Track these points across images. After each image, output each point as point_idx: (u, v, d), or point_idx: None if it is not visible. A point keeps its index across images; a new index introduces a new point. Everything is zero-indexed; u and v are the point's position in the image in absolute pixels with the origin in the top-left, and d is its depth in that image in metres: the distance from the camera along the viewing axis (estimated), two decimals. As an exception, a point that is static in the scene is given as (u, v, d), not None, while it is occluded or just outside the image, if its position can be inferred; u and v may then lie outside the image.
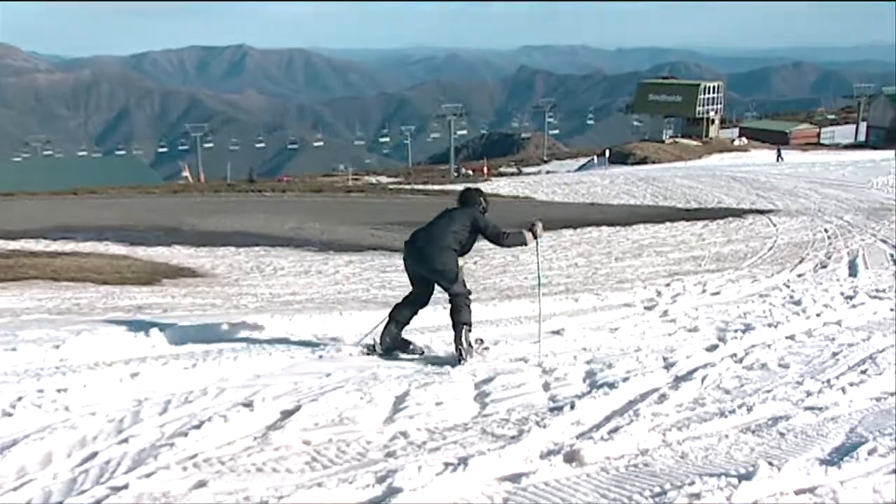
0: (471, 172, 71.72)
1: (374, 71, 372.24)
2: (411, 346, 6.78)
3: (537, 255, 7.28)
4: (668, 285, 11.28)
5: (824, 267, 13.37)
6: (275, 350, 6.71)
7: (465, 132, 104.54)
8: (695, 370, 6.14)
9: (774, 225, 21.38)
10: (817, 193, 30.56)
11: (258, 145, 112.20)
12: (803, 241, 17.69)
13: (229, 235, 20.09)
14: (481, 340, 6.81)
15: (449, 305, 6.54)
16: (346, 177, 68.76)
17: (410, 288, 6.69)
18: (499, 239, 6.66)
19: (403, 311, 6.71)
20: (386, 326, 6.70)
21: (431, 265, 6.43)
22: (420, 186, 48.27)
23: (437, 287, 6.56)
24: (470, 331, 6.53)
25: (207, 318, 8.11)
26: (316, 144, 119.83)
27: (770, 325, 8.03)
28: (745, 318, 8.62)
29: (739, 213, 25.14)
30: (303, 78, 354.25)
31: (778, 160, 61.04)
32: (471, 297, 6.60)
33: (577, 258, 15.65)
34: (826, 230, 19.40)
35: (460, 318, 6.50)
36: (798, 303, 9.56)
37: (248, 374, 5.90)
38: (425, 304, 6.70)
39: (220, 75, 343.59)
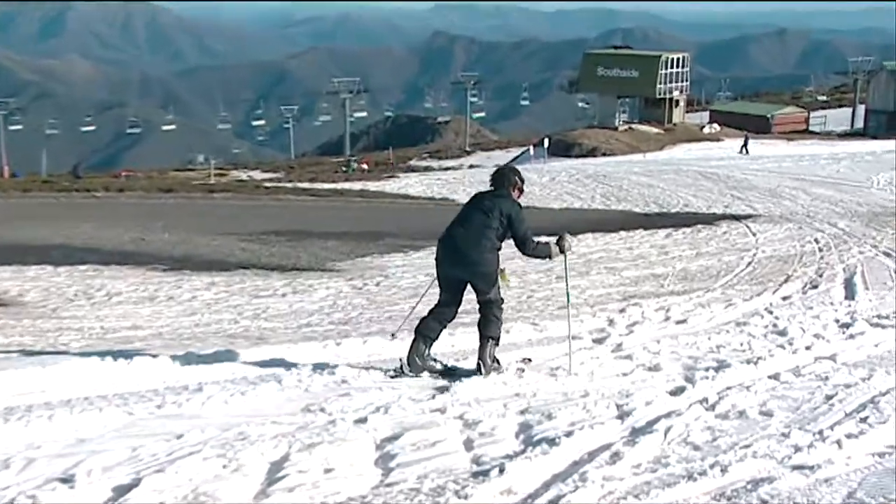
0: (365, 167, 71.85)
1: (242, 34, 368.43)
2: (440, 365, 7.75)
3: (566, 270, 8.61)
4: (622, 311, 11.51)
5: (815, 287, 13.91)
6: (106, 404, 6.54)
7: (364, 114, 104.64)
8: (656, 420, 6.27)
9: (754, 234, 22.11)
10: (806, 194, 31.83)
11: (86, 129, 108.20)
12: (789, 254, 18.36)
13: (45, 250, 19.40)
14: (529, 360, 8.11)
15: (479, 314, 7.56)
16: (208, 172, 67.61)
17: (438, 296, 7.64)
18: (525, 246, 7.60)
19: (431, 325, 7.67)
20: (413, 344, 7.67)
21: (475, 268, 7.46)
22: (306, 185, 48.02)
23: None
24: (497, 345, 7.60)
25: (12, 364, 7.80)
26: (166, 128, 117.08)
27: (749, 362, 8.26)
28: (718, 353, 8.85)
29: (711, 220, 25.90)
30: (146, 41, 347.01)
31: (742, 151, 63.38)
32: (503, 306, 7.65)
33: (508, 277, 15.84)
34: (817, 240, 20.20)
35: (488, 332, 7.58)
36: (783, 333, 9.88)
37: (69, 439, 5.72)
38: (455, 314, 7.71)
39: (31, 35, 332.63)
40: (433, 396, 7.00)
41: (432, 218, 27.93)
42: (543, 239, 7.90)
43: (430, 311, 7.73)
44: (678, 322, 10.85)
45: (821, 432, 6.02)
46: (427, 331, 7.69)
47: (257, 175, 68.20)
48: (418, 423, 6.20)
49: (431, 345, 7.74)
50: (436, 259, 7.65)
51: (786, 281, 14.71)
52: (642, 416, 6.39)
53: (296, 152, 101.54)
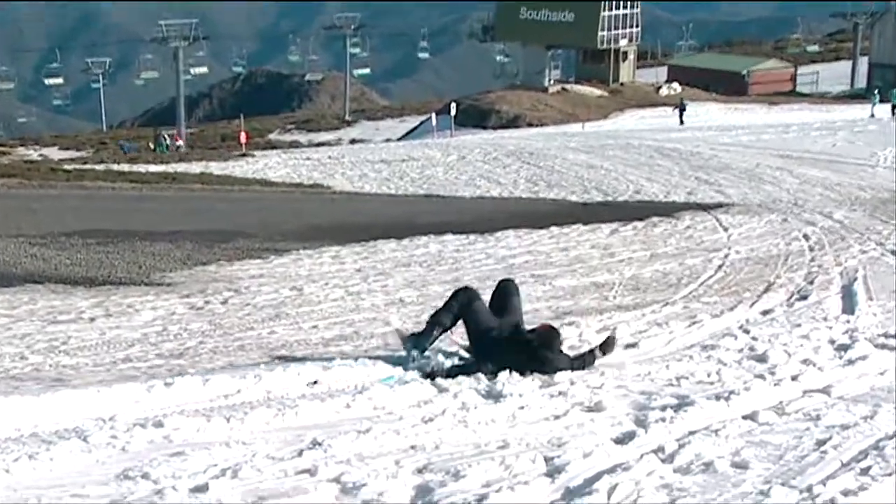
0: (181, 143, 71.06)
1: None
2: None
3: None
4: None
5: (804, 298, 14.26)
6: None
7: (204, 70, 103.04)
8: (597, 478, 6.35)
9: (725, 229, 22.58)
10: (793, 176, 32.66)
11: None
12: (771, 255, 18.80)
13: None
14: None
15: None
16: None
17: None
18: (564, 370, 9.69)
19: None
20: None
21: None
22: (124, 167, 47.25)
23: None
24: None
25: None
26: None
27: (719, 398, 8.40)
28: (678, 387, 8.99)
29: (670, 211, 26.37)
30: None
31: (681, 120, 64.77)
32: None
33: (402, 290, 15.86)
34: (806, 236, 20.73)
35: None
36: (763, 359, 10.09)
37: None
38: None
39: None
40: (299, 453, 6.97)
41: (301, 211, 27.85)
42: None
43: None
44: (627, 346, 10.97)
45: (810, 489, 6.17)
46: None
47: (54, 153, 67.01)
48: (278, 491, 6.17)
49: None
50: None
51: (766, 290, 15.03)
52: (579, 473, 6.46)
53: (109, 122, 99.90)
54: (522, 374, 9.43)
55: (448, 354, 10.00)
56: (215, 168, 44.75)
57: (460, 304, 10.12)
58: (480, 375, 9.41)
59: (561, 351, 9.87)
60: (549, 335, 9.83)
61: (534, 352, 9.67)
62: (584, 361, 9.85)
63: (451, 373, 9.51)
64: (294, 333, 12.54)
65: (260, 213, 27.72)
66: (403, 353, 10.10)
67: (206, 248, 20.95)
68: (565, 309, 13.95)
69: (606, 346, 10.17)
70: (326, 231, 23.74)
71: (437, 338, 10.07)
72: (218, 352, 11.42)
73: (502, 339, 9.81)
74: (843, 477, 6.41)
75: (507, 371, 9.46)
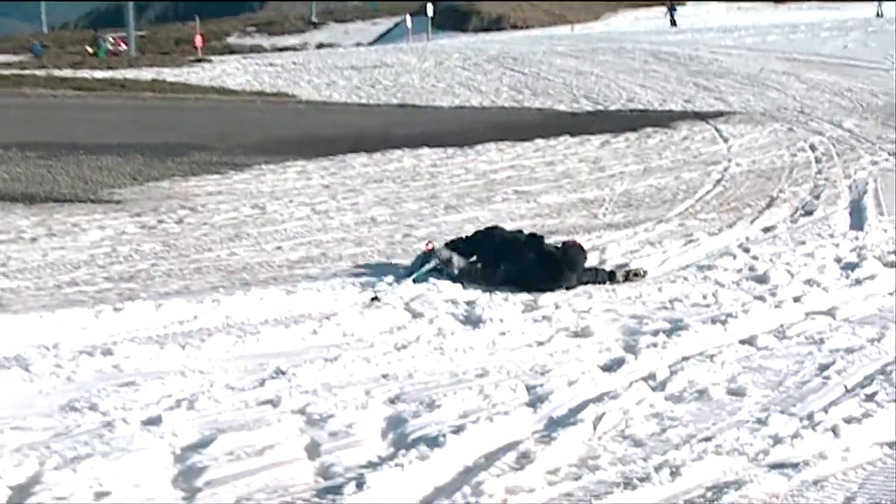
0: (123, 46, 70.30)
1: None
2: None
3: None
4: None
5: (809, 214, 14.30)
6: None
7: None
8: (582, 407, 6.43)
9: (725, 140, 22.57)
10: (799, 81, 32.59)
11: None
12: (774, 167, 18.80)
13: None
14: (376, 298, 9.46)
15: None
16: None
17: None
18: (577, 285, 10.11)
19: None
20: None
21: None
22: (66, 73, 46.85)
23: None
24: None
25: None
26: None
27: (715, 322, 8.48)
28: (671, 310, 9.07)
29: (665, 121, 26.35)
30: None
31: (671, 21, 64.41)
32: None
33: (373, 208, 15.84)
34: (813, 147, 20.74)
35: None
36: (763, 279, 10.17)
37: None
38: None
39: None
40: (261, 383, 7.02)
41: (263, 122, 27.72)
42: None
43: None
44: (618, 267, 11.03)
45: (811, 416, 6.27)
46: None
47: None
48: (239, 423, 6.22)
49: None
50: None
51: (769, 206, 15.06)
52: (563, 402, 6.54)
53: (50, 24, 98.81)
54: (529, 289, 9.81)
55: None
56: (168, 75, 44.38)
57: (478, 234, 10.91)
58: (458, 300, 9.49)
59: (583, 269, 10.23)
60: (575, 252, 10.18)
61: (555, 266, 10.00)
62: (597, 276, 10.24)
63: (462, 271, 10.14)
64: (256, 255, 12.52)
65: (218, 125, 27.53)
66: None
67: (158, 162, 20.81)
68: (551, 228, 13.95)
69: (633, 276, 10.40)
70: (291, 144, 23.60)
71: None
72: (172, 275, 11.40)
73: (523, 246, 10.28)
74: (847, 403, 6.51)
75: (512, 285, 9.89)
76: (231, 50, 72.29)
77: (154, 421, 6.26)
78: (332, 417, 6.30)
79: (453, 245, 10.67)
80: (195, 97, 35.68)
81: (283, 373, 7.22)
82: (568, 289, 9.90)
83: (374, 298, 9.47)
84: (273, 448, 5.83)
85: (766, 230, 13.17)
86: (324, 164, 20.37)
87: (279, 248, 12.88)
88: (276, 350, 7.95)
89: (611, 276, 10.36)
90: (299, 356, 7.67)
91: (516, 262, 10.12)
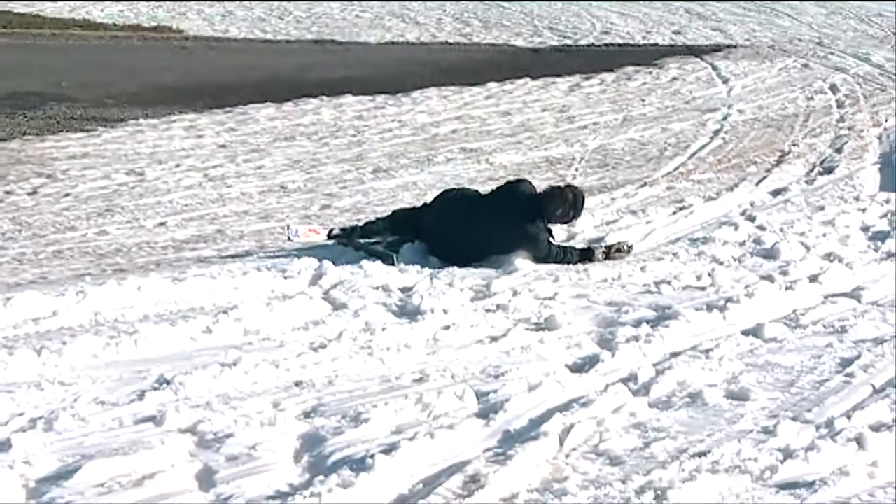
0: None
1: None
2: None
3: None
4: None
5: (828, 172, 14.42)
6: None
7: None
8: (546, 417, 6.45)
9: (725, 80, 22.68)
10: (817, 4, 32.66)
11: None
12: (786, 114, 18.94)
13: None
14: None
15: None
16: None
17: None
18: (553, 261, 10.26)
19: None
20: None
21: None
22: None
23: None
24: None
25: None
26: None
27: (711, 308, 8.55)
28: (657, 294, 9.15)
29: (650, 58, 26.50)
30: None
31: None
32: None
33: (283, 172, 15.81)
34: (834, 87, 20.89)
35: None
36: (772, 254, 10.27)
37: None
38: None
39: None
40: (140, 395, 6.97)
41: (140, 65, 27.50)
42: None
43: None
44: (591, 242, 11.07)
45: (830, 424, 6.32)
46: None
47: None
48: (111, 447, 6.17)
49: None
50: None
51: (779, 162, 15.18)
52: (522, 412, 6.55)
53: None
54: (482, 259, 10.18)
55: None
56: (16, 4, 43.87)
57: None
58: (391, 286, 9.49)
59: (550, 230, 10.36)
60: (549, 194, 10.38)
61: (515, 218, 10.18)
62: (565, 255, 10.29)
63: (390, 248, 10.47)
64: (132, 234, 12.47)
65: (82, 69, 27.26)
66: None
67: (4, 116, 20.63)
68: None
69: (614, 253, 10.47)
70: (177, 92, 23.47)
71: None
72: (25, 261, 11.33)
73: (474, 204, 10.52)
74: (874, 407, 6.57)
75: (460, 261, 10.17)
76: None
77: (2, 446, 6.19)
78: (231, 437, 6.26)
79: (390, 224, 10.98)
80: (51, 33, 35.31)
81: (168, 382, 7.16)
82: (538, 261, 10.08)
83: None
84: (155, 477, 5.77)
85: (776, 193, 13.27)
86: (219, 118, 20.29)
87: (162, 224, 12.83)
88: (159, 354, 7.88)
89: (585, 255, 10.41)
90: (189, 361, 7.61)
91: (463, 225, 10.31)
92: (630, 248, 10.58)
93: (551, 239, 10.34)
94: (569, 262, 10.20)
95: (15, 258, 11.38)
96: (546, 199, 10.30)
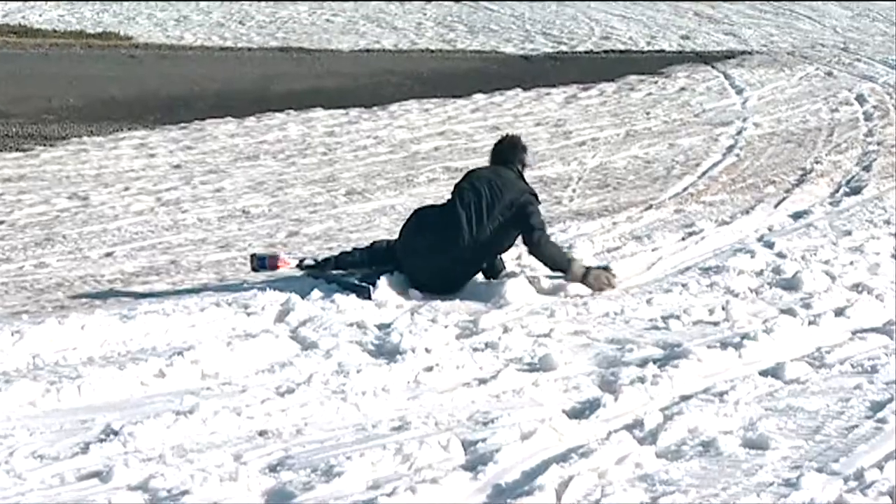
0: None
1: None
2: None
3: None
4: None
5: (855, 192, 14.42)
6: None
7: None
8: (541, 470, 6.44)
9: (738, 90, 22.71)
10: (840, 6, 32.71)
11: None
12: (807, 128, 18.97)
13: None
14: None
15: None
16: None
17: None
18: (539, 245, 10.67)
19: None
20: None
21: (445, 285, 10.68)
22: None
23: None
24: None
25: None
26: None
27: (726, 346, 8.55)
28: (665, 331, 9.17)
29: (655, 65, 26.54)
30: None
31: None
32: None
33: (245, 195, 15.81)
34: (861, 98, 20.90)
35: None
36: (793, 284, 10.28)
37: None
38: None
39: None
40: (84, 448, 6.94)
41: (84, 76, 27.50)
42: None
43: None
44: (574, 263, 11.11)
45: (860, 476, 6.30)
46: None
47: None
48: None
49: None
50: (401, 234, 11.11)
51: (800, 182, 15.21)
52: (514, 463, 6.54)
53: None
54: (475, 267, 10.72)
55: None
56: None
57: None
58: (367, 323, 9.49)
59: (535, 195, 10.99)
60: (509, 145, 11.36)
61: (501, 183, 10.81)
62: (552, 245, 10.89)
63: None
64: (75, 266, 12.47)
65: (18, 81, 27.27)
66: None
67: (-69, 135, 20.64)
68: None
69: (592, 279, 10.55)
70: (125, 106, 23.50)
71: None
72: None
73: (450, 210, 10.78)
74: (910, 458, 6.56)
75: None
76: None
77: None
78: (187, 494, 6.24)
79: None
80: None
81: (115, 433, 7.14)
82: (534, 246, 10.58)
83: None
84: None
85: (797, 216, 13.29)
86: (173, 135, 20.32)
87: (109, 254, 12.83)
88: (106, 401, 7.86)
89: (565, 259, 10.78)
90: (139, 409, 7.61)
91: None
92: (614, 277, 10.65)
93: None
94: (554, 258, 10.61)
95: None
96: (511, 151, 11.26)
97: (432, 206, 11.41)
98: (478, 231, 10.50)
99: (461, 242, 10.47)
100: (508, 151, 11.29)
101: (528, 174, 16.43)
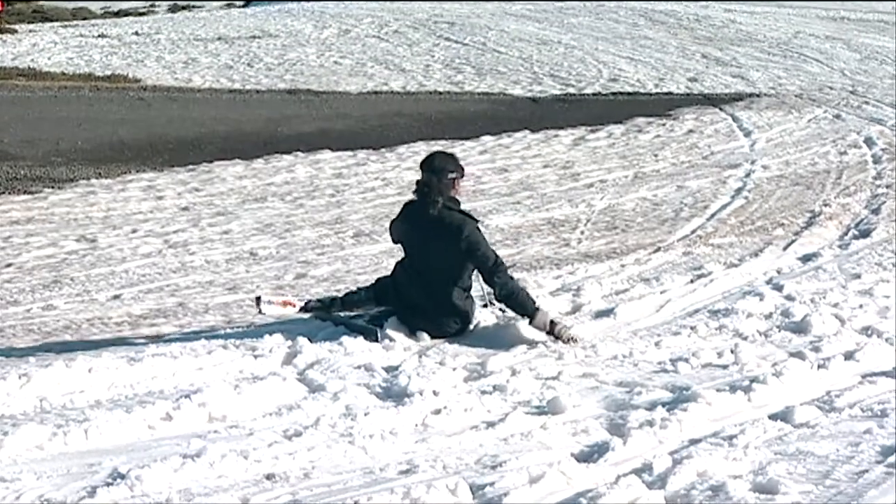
0: None
1: None
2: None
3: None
4: (488, 297, 11.63)
5: (864, 235, 14.40)
6: None
7: None
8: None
9: (747, 133, 22.72)
10: (849, 49, 32.82)
11: None
12: (816, 171, 18.96)
13: None
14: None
15: None
16: None
17: None
18: (499, 281, 10.56)
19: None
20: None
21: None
22: None
23: None
24: None
25: None
26: None
27: (735, 389, 8.53)
28: (674, 373, 9.16)
29: (663, 108, 26.55)
30: None
31: None
32: None
33: (253, 237, 15.82)
34: (870, 141, 20.91)
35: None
36: (802, 328, 10.27)
37: None
38: None
39: None
40: (91, 492, 6.91)
41: (92, 119, 27.54)
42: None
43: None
44: (598, 315, 11.09)
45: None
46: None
47: None
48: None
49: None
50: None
51: (809, 224, 15.20)
52: (523, 509, 6.50)
53: None
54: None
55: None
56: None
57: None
58: (375, 365, 9.47)
59: (474, 218, 10.86)
60: (438, 165, 11.08)
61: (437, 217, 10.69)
62: (509, 278, 10.74)
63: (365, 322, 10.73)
64: (83, 308, 12.47)
65: (27, 123, 27.29)
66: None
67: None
68: (507, 259, 13.99)
69: (557, 333, 10.35)
70: (134, 149, 23.51)
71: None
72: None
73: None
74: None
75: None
76: (45, 16, 71.94)
77: (-65, 553, 6.15)
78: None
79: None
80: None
81: (122, 476, 7.12)
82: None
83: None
84: None
85: (806, 259, 13.28)
86: (181, 178, 20.32)
87: (117, 297, 12.83)
88: (113, 444, 7.85)
89: (528, 303, 10.58)
90: (146, 452, 7.59)
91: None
92: (575, 341, 10.25)
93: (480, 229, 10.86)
94: (510, 293, 10.51)
95: None
96: (441, 171, 10.93)
97: (400, 262, 11.21)
98: (426, 264, 10.66)
99: (420, 280, 10.56)
100: (434, 178, 10.90)
101: (536, 216, 16.63)
